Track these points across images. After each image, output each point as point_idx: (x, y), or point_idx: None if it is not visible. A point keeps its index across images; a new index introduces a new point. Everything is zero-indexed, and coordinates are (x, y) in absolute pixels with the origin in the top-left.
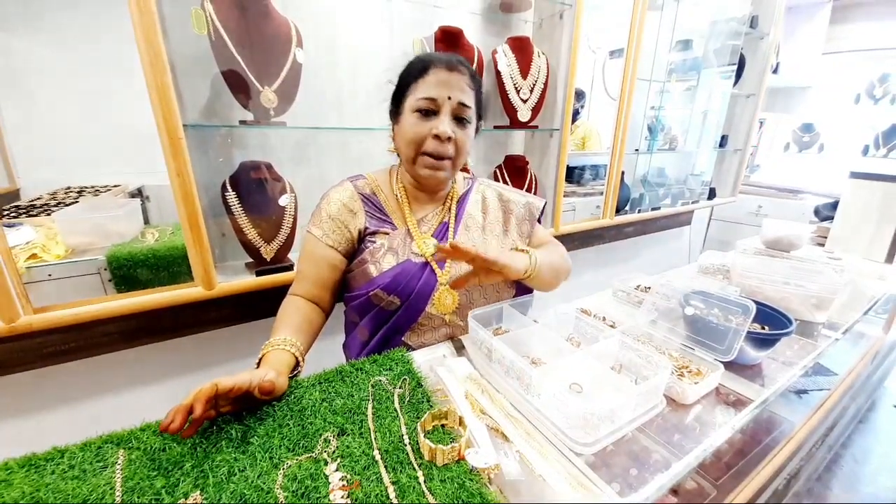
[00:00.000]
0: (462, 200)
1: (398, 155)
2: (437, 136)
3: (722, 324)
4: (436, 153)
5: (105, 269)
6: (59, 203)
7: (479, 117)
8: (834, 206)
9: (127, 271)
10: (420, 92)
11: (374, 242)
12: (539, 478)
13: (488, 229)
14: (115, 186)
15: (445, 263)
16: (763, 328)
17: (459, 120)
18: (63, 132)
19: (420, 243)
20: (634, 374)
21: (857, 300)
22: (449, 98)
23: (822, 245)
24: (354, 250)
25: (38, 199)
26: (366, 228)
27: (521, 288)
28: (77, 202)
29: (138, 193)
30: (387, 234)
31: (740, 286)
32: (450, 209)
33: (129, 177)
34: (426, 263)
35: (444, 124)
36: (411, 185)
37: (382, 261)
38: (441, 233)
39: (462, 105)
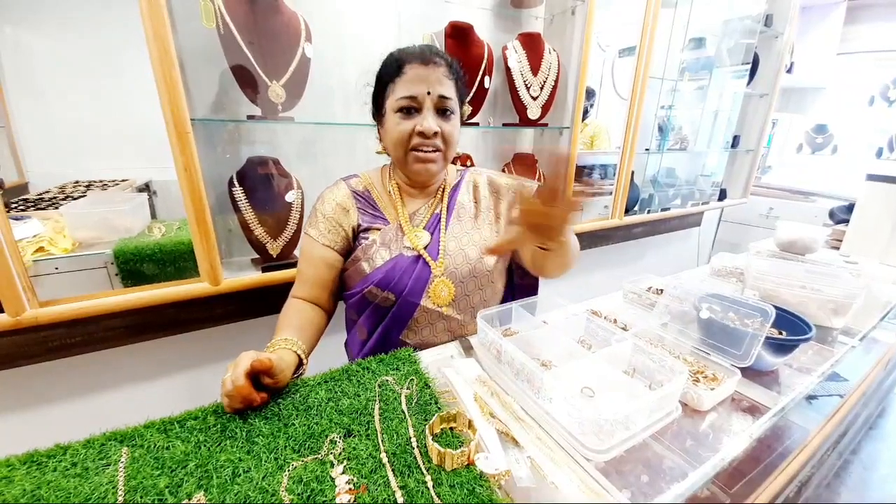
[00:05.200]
0: (454, 191)
1: (388, 154)
2: (422, 133)
3: (739, 328)
4: (423, 148)
5: (112, 264)
6: (68, 197)
7: (462, 103)
8: (849, 208)
9: (133, 266)
10: (399, 91)
11: (367, 239)
12: (551, 485)
13: (481, 217)
14: (124, 181)
15: (438, 255)
16: (780, 333)
17: (443, 112)
18: (72, 126)
19: (412, 237)
20: (648, 378)
21: (872, 305)
22: (429, 93)
23: (837, 248)
24: (351, 248)
25: (47, 192)
26: (359, 225)
27: (514, 276)
28: (85, 196)
29: (146, 188)
30: (379, 229)
31: (756, 289)
32: (441, 200)
33: (138, 171)
34: (419, 257)
35: (427, 121)
36: (403, 181)
37: (375, 256)
38: (433, 225)
39: (442, 98)
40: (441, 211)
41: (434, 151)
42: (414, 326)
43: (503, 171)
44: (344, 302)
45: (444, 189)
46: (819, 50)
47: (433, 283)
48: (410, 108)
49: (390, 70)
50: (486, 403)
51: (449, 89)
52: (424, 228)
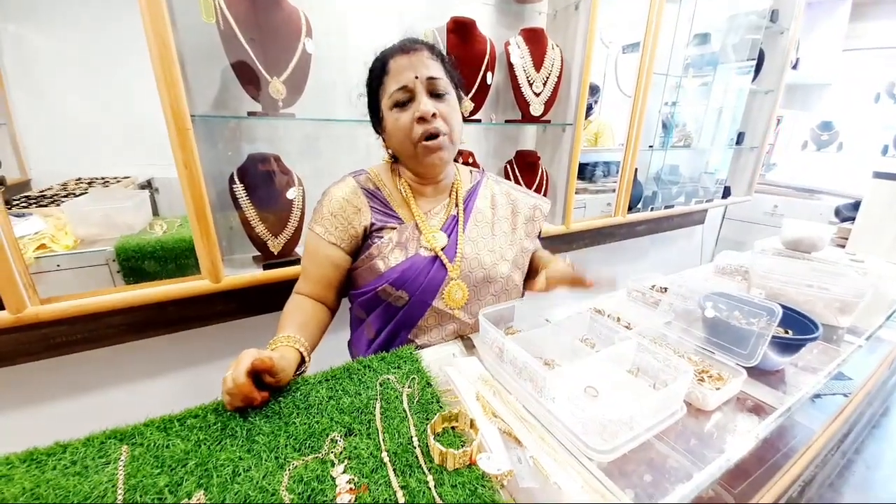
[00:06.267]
0: (471, 194)
1: (395, 158)
2: (421, 119)
3: (745, 327)
4: (427, 135)
5: (113, 261)
6: (70, 194)
7: (457, 86)
8: (855, 206)
9: (135, 263)
10: (389, 87)
11: (382, 238)
12: (554, 485)
13: (497, 226)
14: (126, 178)
15: (455, 257)
16: (786, 332)
17: (436, 95)
18: (75, 123)
19: (429, 237)
20: (652, 378)
21: (878, 304)
22: (416, 77)
23: (843, 246)
24: (359, 248)
25: (49, 189)
26: (372, 224)
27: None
28: (87, 193)
29: (148, 185)
30: (394, 228)
31: (762, 288)
32: (457, 202)
33: (141, 168)
34: (435, 257)
35: (423, 104)
36: (414, 180)
37: (390, 256)
38: (450, 226)
39: (431, 79)
40: (458, 213)
41: (440, 137)
42: (424, 327)
43: (505, 168)
44: (350, 300)
45: (457, 189)
46: (825, 46)
47: (448, 284)
48: (404, 101)
49: (376, 72)
50: (488, 403)
51: (436, 70)
52: (441, 229)
